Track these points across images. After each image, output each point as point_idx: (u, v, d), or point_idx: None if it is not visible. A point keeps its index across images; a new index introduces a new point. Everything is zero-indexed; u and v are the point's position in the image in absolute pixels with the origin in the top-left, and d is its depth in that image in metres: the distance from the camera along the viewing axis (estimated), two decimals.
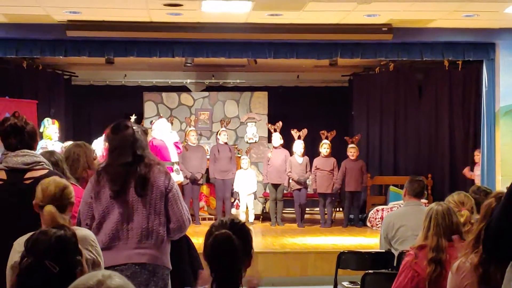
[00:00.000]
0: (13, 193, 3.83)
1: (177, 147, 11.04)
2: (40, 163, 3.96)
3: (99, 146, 9.81)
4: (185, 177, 11.72)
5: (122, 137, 4.19)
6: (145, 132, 4.44)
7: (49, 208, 3.31)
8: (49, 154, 4.68)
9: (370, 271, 5.35)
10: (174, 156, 10.76)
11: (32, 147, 4.10)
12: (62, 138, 11.01)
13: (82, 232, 3.46)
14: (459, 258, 3.22)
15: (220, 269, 2.78)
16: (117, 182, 4.10)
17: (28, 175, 3.88)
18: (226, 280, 2.79)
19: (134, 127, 4.27)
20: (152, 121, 13.58)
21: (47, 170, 3.95)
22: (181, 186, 10.92)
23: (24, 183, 3.85)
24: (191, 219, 4.24)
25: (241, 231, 2.85)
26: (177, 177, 10.62)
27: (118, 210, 4.08)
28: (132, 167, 4.11)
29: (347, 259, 6.21)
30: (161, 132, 11.01)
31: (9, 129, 4.02)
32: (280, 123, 12.46)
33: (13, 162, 3.91)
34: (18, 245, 3.40)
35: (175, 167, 10.73)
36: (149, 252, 4.05)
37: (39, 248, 2.78)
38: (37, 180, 3.74)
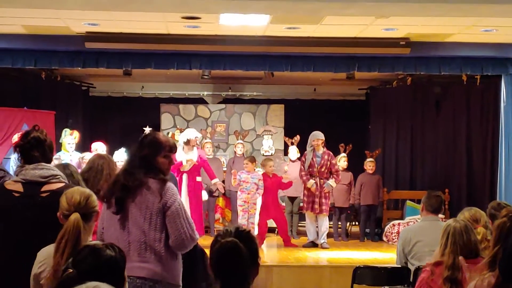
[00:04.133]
0: (30, 205, 3.83)
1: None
2: (57, 176, 3.97)
3: (120, 158, 9.92)
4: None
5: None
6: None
7: (75, 216, 3.33)
8: (63, 167, 4.69)
9: (386, 287, 5.31)
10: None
11: (50, 160, 4.12)
12: (79, 150, 11.05)
13: None
14: (474, 278, 3.18)
15: (227, 277, 2.76)
16: (115, 190, 4.18)
17: (45, 188, 3.90)
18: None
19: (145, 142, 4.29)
20: (168, 132, 13.64)
21: (63, 184, 3.97)
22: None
23: (41, 196, 3.86)
24: (195, 237, 4.16)
25: (247, 239, 2.82)
26: (204, 195, 10.68)
27: (120, 222, 4.10)
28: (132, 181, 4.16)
29: (363, 274, 6.16)
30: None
31: (33, 142, 4.04)
32: (298, 137, 12.42)
33: (31, 175, 3.92)
34: (40, 255, 3.42)
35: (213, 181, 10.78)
36: (148, 267, 4.02)
37: (86, 266, 2.77)
38: (54, 193, 3.76)
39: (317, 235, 11.14)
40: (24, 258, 3.61)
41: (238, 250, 2.74)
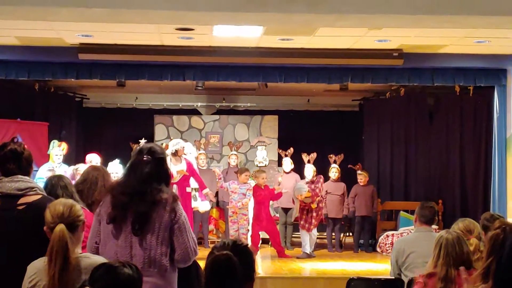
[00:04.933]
0: (6, 219, 3.79)
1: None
2: (34, 189, 3.93)
3: (115, 169, 9.91)
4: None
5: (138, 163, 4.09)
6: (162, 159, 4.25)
7: (60, 227, 3.31)
8: (57, 179, 4.68)
9: None
10: (194, 181, 10.69)
11: (28, 173, 4.06)
12: (73, 161, 11.02)
13: (93, 259, 3.44)
14: None
15: None
16: (116, 208, 4.00)
17: (22, 200, 3.85)
18: None
19: (159, 155, 4.14)
20: (162, 143, 13.62)
21: (40, 196, 3.92)
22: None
23: (17, 208, 3.82)
24: (197, 250, 4.11)
25: (242, 254, 2.81)
26: (194, 204, 10.65)
27: (122, 235, 3.99)
28: (136, 197, 3.99)
29: (357, 286, 6.13)
30: (192, 157, 11.06)
31: (8, 154, 3.98)
32: (292, 149, 12.44)
33: (7, 187, 3.88)
34: (30, 269, 3.40)
35: (193, 193, 10.70)
36: (152, 280, 3.93)
37: (104, 284, 2.77)
38: (30, 205, 3.74)
39: (311, 246, 11.21)
40: (2, 271, 3.61)
41: (232, 264, 2.73)
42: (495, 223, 3.23)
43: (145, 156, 4.09)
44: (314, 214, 11.08)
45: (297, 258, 10.96)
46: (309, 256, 10.99)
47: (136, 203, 3.96)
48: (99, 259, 3.47)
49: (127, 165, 4.21)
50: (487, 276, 3.01)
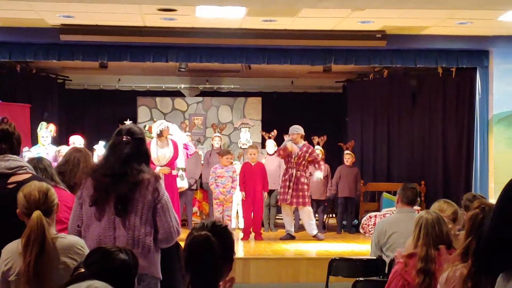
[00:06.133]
0: None
1: (187, 148, 10.81)
2: (24, 168, 3.92)
3: (102, 150, 9.87)
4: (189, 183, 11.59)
5: (117, 144, 4.08)
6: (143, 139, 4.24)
7: (37, 215, 3.28)
8: (37, 161, 4.66)
9: (360, 279, 5.33)
10: (181, 161, 10.62)
11: (18, 153, 4.07)
12: (55, 143, 10.97)
13: (68, 239, 3.43)
14: (446, 269, 3.20)
15: (197, 270, 2.75)
16: (98, 190, 4.00)
17: (12, 179, 3.84)
18: (202, 283, 2.75)
19: (138, 136, 4.14)
20: (145, 125, 13.58)
21: (30, 175, 3.91)
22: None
23: (8, 187, 3.80)
24: (179, 230, 4.12)
25: (221, 235, 2.81)
26: (181, 183, 10.57)
27: (105, 217, 3.99)
28: (117, 178, 3.98)
29: (338, 266, 6.18)
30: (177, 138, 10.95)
31: (1, 134, 3.97)
32: (275, 131, 12.42)
33: None
34: (5, 253, 3.37)
35: (180, 172, 10.62)
36: None
37: (99, 268, 2.76)
38: (20, 184, 3.71)
39: (294, 227, 11.21)
40: None
41: (210, 244, 2.73)
42: (474, 203, 3.25)
43: (124, 136, 4.07)
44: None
45: (280, 239, 10.99)
46: (291, 237, 11.01)
47: (118, 185, 3.95)
48: (75, 239, 3.48)
49: (107, 146, 4.20)
50: (467, 256, 3.04)
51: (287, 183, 10.79)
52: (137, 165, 4.02)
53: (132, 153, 4.04)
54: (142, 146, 4.15)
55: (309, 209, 10.97)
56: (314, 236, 10.93)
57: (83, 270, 2.78)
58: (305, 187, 10.82)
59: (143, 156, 4.11)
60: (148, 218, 3.98)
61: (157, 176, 4.11)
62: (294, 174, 10.75)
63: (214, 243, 2.73)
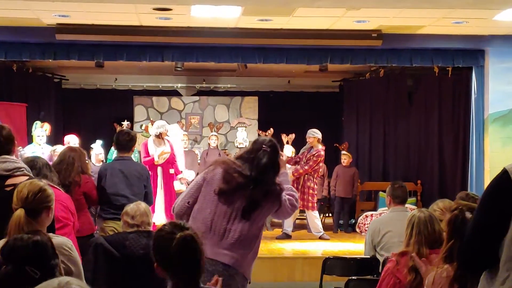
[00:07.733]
0: None
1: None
2: (21, 169, 3.91)
3: (99, 149, 9.85)
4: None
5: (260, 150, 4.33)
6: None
7: (18, 212, 3.22)
8: (31, 161, 4.66)
9: (353, 277, 5.35)
10: (182, 164, 10.63)
11: (10, 151, 4.04)
12: (51, 142, 10.95)
13: (56, 240, 3.41)
14: (432, 270, 3.21)
15: (184, 271, 2.76)
16: (229, 184, 4.20)
17: (9, 181, 3.83)
18: (188, 283, 2.78)
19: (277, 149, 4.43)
20: (142, 125, 13.59)
21: (28, 177, 3.90)
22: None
23: (5, 190, 3.79)
24: None
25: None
26: (180, 186, 10.57)
27: (225, 208, 4.19)
28: (250, 183, 4.21)
29: (332, 265, 6.20)
30: (175, 138, 10.94)
31: None
32: (272, 130, 12.44)
33: None
34: None
35: (180, 175, 10.64)
36: (237, 257, 4.15)
37: (18, 255, 2.75)
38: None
39: (293, 227, 11.23)
40: None
41: (196, 242, 2.77)
42: (452, 206, 3.24)
43: (265, 146, 4.33)
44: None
45: (276, 238, 10.99)
46: (288, 237, 11.02)
47: (252, 190, 4.20)
48: (62, 239, 3.45)
49: (247, 150, 4.43)
50: (450, 258, 3.04)
51: (294, 185, 10.83)
52: (273, 175, 4.31)
53: (269, 163, 4.30)
54: (277, 159, 4.40)
55: (314, 214, 11.01)
56: (320, 238, 10.97)
57: (5, 266, 2.75)
58: (311, 191, 10.87)
59: (277, 168, 4.37)
60: (263, 224, 4.31)
61: (282, 187, 4.36)
62: (302, 177, 10.82)
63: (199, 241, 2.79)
